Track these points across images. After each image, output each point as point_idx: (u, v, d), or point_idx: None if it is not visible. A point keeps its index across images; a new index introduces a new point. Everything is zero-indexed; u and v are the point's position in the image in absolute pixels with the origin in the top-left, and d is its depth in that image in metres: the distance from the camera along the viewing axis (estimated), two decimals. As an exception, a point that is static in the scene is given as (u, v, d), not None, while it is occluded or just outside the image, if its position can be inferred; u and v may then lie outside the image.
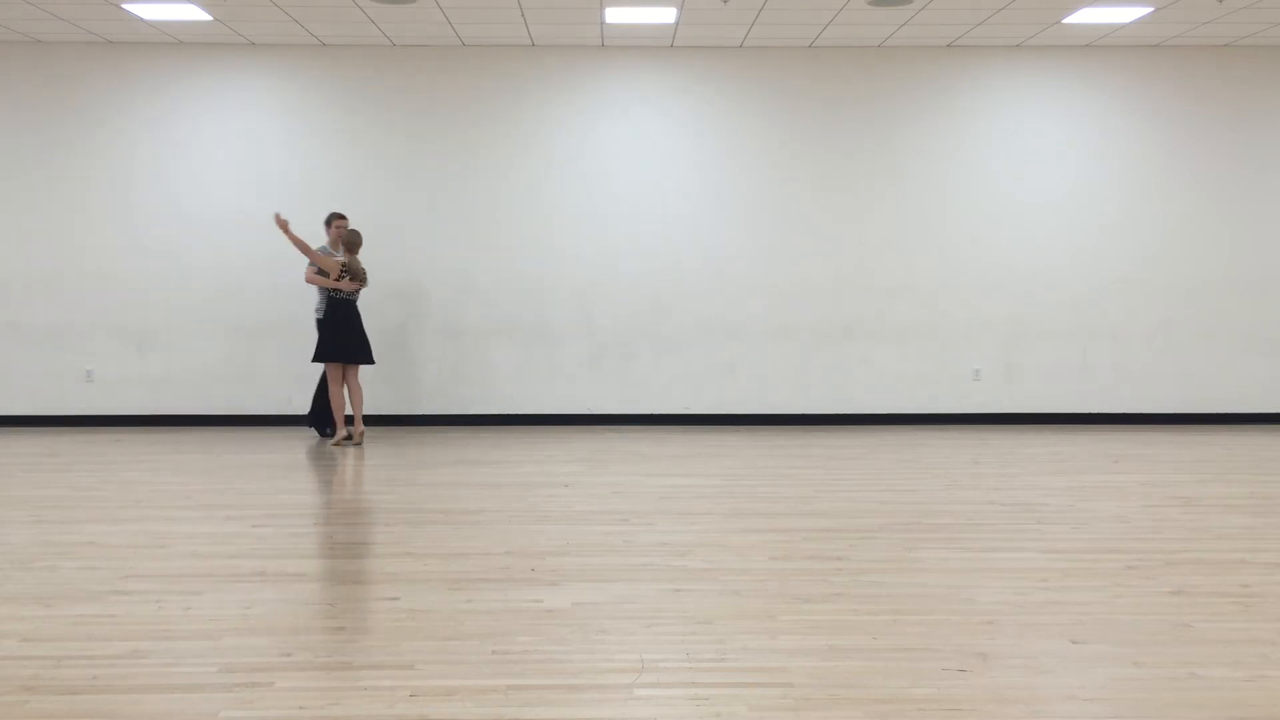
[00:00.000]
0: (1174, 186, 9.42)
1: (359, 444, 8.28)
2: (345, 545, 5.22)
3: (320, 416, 8.57)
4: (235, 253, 9.23)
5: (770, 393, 9.50)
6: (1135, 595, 4.41)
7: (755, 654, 3.71)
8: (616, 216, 9.30)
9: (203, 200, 9.21)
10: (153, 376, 9.31)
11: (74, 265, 9.21)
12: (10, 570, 4.77)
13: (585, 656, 3.69)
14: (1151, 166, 9.42)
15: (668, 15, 8.17)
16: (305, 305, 9.26)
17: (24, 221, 9.19)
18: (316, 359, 8.29)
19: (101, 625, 3.99)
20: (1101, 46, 9.22)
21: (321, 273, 8.21)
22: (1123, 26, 8.56)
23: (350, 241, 8.30)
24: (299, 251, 8.23)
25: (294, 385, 9.33)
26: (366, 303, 9.29)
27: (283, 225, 8.19)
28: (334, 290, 8.21)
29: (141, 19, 8.27)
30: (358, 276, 8.25)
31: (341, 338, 8.23)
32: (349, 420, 8.44)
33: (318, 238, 8.79)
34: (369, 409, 8.83)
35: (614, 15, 8.17)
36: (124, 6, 7.94)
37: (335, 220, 8.44)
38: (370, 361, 8.38)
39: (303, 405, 9.34)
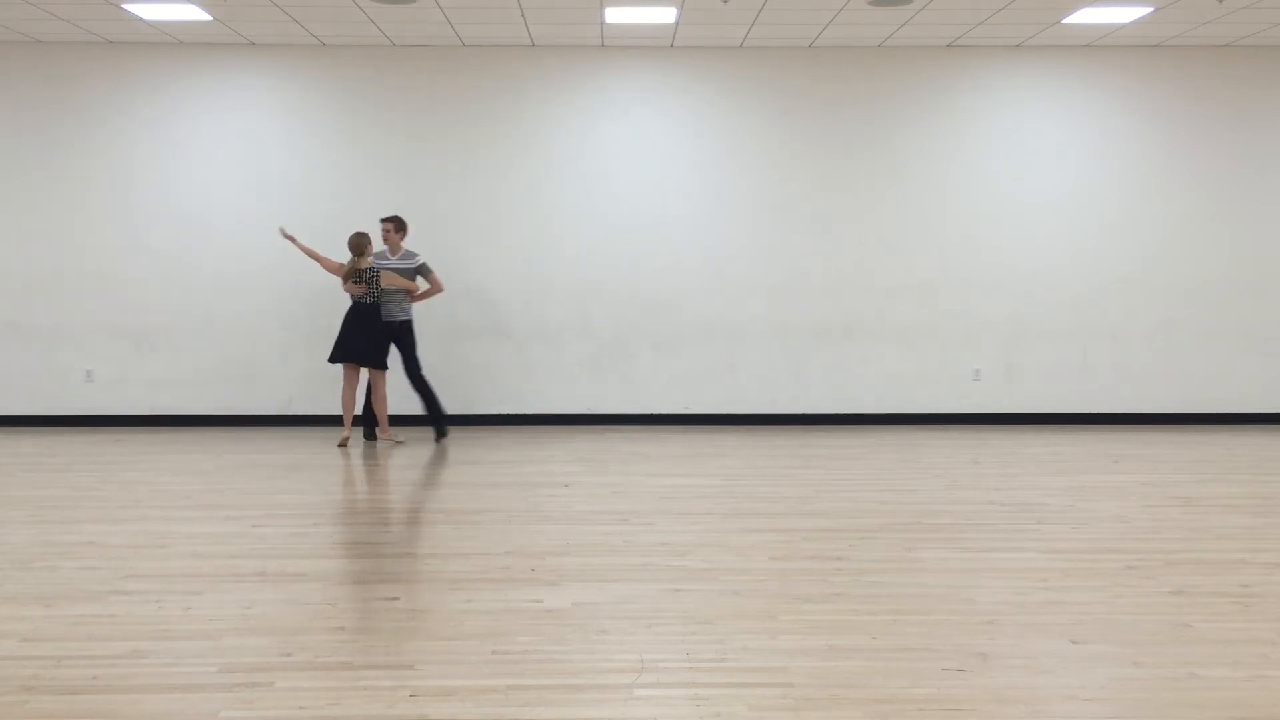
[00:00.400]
0: (1174, 186, 9.42)
1: (343, 445, 8.24)
2: (345, 545, 5.22)
3: (369, 420, 8.52)
4: (235, 253, 9.23)
5: (770, 393, 9.50)
6: (1135, 595, 4.41)
7: (755, 654, 3.71)
8: (616, 216, 9.30)
9: (203, 200, 9.21)
10: (153, 376, 9.31)
11: (74, 265, 9.21)
12: (10, 570, 4.77)
13: (585, 656, 3.69)
14: (1151, 166, 9.42)
15: (668, 15, 8.17)
16: (305, 305, 9.28)
17: (24, 221, 9.19)
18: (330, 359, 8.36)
19: (101, 625, 4.00)
20: (1101, 46, 9.22)
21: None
22: (1123, 26, 8.56)
23: (352, 244, 8.29)
24: (310, 259, 8.31)
25: (294, 385, 9.34)
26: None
27: (290, 238, 8.26)
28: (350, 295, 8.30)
29: (141, 19, 8.27)
30: (361, 280, 8.25)
31: (341, 338, 8.24)
32: (356, 421, 8.44)
33: (317, 239, 8.80)
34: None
35: (614, 15, 8.17)
36: (124, 6, 7.94)
37: (380, 224, 8.45)
38: (373, 366, 8.33)
39: (302, 405, 9.35)
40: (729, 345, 9.43)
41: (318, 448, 8.23)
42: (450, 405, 8.91)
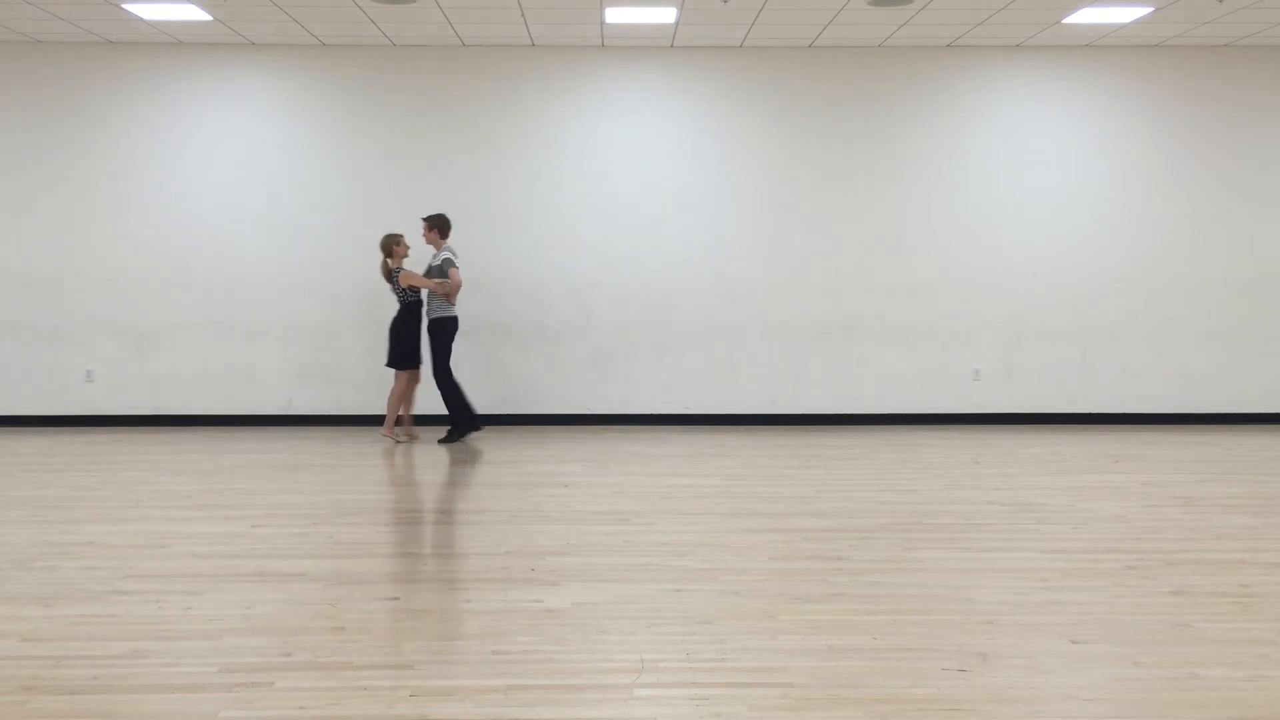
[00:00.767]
0: (1174, 186, 9.42)
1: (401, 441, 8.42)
2: (345, 545, 5.22)
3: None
4: (235, 253, 9.24)
5: (770, 393, 9.50)
6: (1135, 595, 4.41)
7: (755, 654, 3.71)
8: (617, 216, 9.30)
9: (203, 200, 9.21)
10: (153, 376, 9.31)
11: (74, 265, 9.21)
12: (10, 570, 4.77)
13: (585, 656, 3.69)
14: (1151, 166, 9.42)
15: (668, 15, 8.17)
16: (304, 305, 9.29)
17: (24, 221, 9.19)
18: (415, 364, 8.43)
19: (101, 625, 4.00)
20: (1101, 46, 9.22)
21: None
22: (1123, 26, 8.56)
23: (381, 246, 8.40)
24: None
25: (294, 385, 9.34)
26: (369, 303, 9.30)
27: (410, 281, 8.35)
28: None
29: (141, 19, 8.27)
30: (390, 280, 8.37)
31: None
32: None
33: (317, 239, 8.80)
34: (372, 411, 8.83)
35: (614, 15, 8.17)
36: (124, 6, 7.94)
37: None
38: (388, 363, 8.43)
39: (302, 405, 9.35)
40: (729, 345, 9.43)
41: (318, 448, 8.24)
42: (450, 405, 8.91)
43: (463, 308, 9.00)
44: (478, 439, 8.49)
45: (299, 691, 3.36)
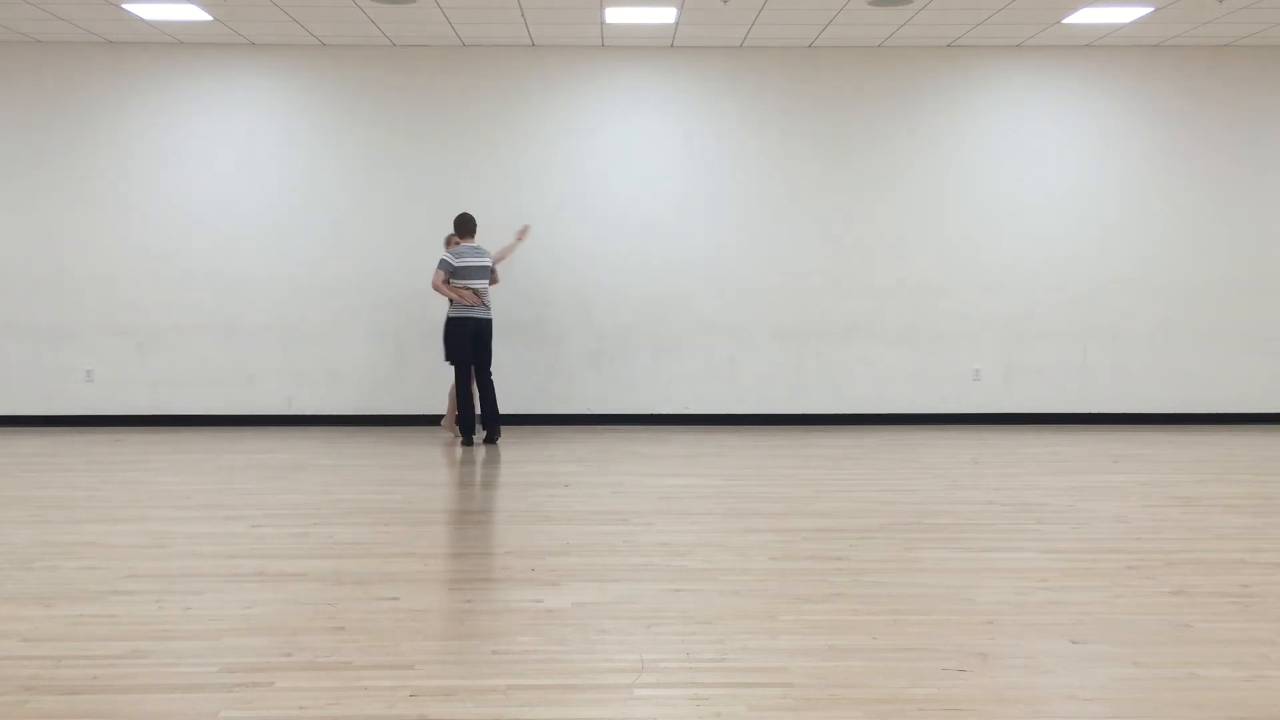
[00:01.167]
0: (1174, 186, 9.42)
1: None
2: (345, 545, 5.22)
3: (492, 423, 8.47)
4: (235, 252, 9.24)
5: (770, 393, 9.50)
6: (1135, 595, 4.41)
7: (755, 654, 3.71)
8: (617, 216, 9.30)
9: (203, 200, 9.21)
10: (153, 376, 9.31)
11: (74, 265, 9.21)
12: (10, 570, 4.77)
13: (585, 656, 3.69)
14: (1151, 166, 9.42)
15: (668, 15, 8.17)
16: (305, 305, 9.28)
17: (24, 221, 9.19)
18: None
19: (101, 625, 4.00)
20: (1101, 46, 9.22)
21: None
22: (1123, 26, 8.56)
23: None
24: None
25: (294, 385, 9.34)
26: (369, 303, 9.31)
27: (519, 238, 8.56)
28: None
29: (141, 19, 8.27)
30: None
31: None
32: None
33: (318, 238, 8.79)
34: (372, 411, 8.81)
35: (614, 15, 8.17)
36: (124, 6, 7.94)
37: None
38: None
39: (303, 405, 9.35)
40: (729, 345, 9.43)
41: (318, 448, 8.24)
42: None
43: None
44: (468, 450, 8.38)
45: (299, 691, 3.36)
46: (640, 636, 3.88)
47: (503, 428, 8.60)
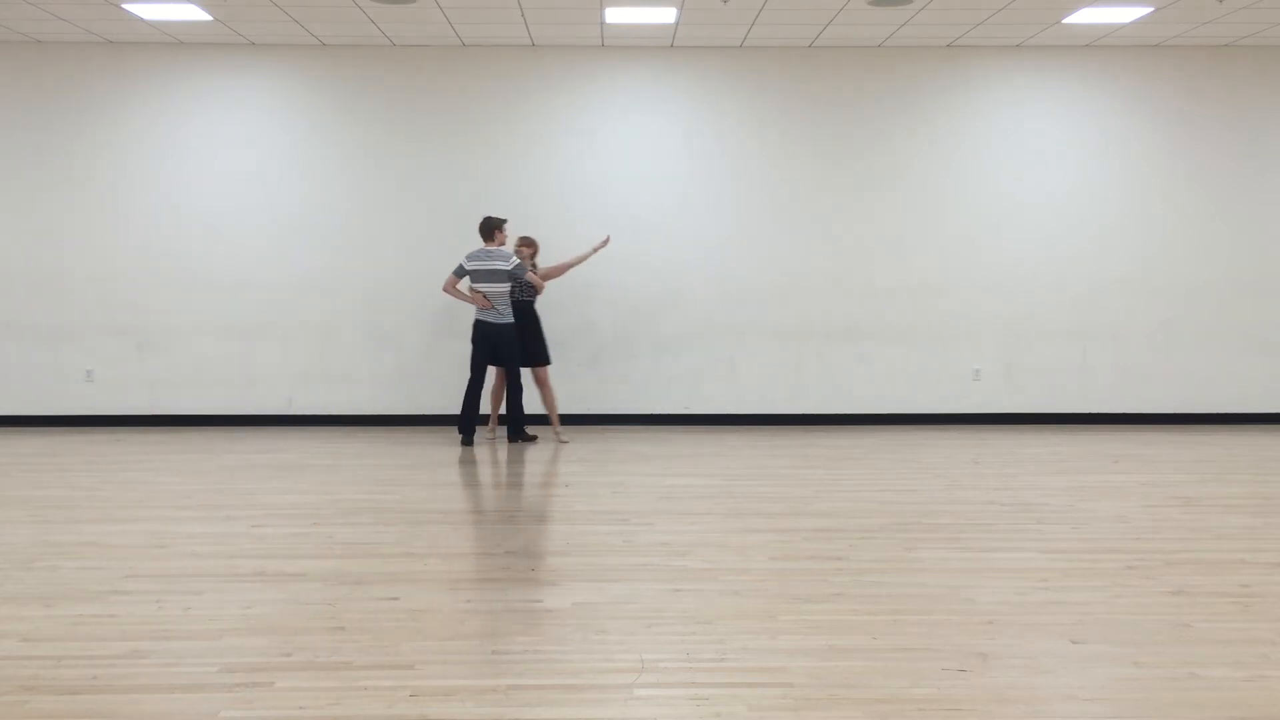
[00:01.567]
0: (1174, 186, 9.42)
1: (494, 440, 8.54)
2: (345, 545, 5.22)
3: (517, 423, 8.48)
4: (235, 252, 9.24)
5: (770, 393, 9.50)
6: (1135, 595, 4.41)
7: (755, 654, 3.71)
8: (616, 216, 9.29)
9: (203, 200, 9.21)
10: (152, 376, 9.31)
11: (74, 265, 9.21)
12: (10, 570, 4.77)
13: (585, 656, 3.69)
14: (1151, 166, 9.42)
15: (668, 15, 8.17)
16: (305, 305, 9.28)
17: (24, 221, 9.19)
18: (533, 363, 8.41)
19: (101, 625, 4.00)
20: (1101, 46, 9.22)
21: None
22: (1123, 26, 8.56)
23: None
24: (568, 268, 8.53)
25: (294, 385, 9.34)
26: (370, 303, 9.31)
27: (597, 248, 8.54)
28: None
29: (141, 19, 8.27)
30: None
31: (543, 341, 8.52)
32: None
33: (317, 238, 8.77)
34: (372, 411, 8.80)
35: (614, 15, 8.17)
36: (124, 6, 7.94)
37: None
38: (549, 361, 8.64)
39: (303, 405, 9.35)
40: (729, 345, 9.43)
41: (318, 448, 8.24)
42: (450, 405, 8.92)
43: (461, 307, 8.99)
44: (466, 450, 8.37)
45: (299, 691, 3.36)
46: (640, 636, 3.88)
47: (503, 428, 8.60)
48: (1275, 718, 3.21)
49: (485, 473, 7.30)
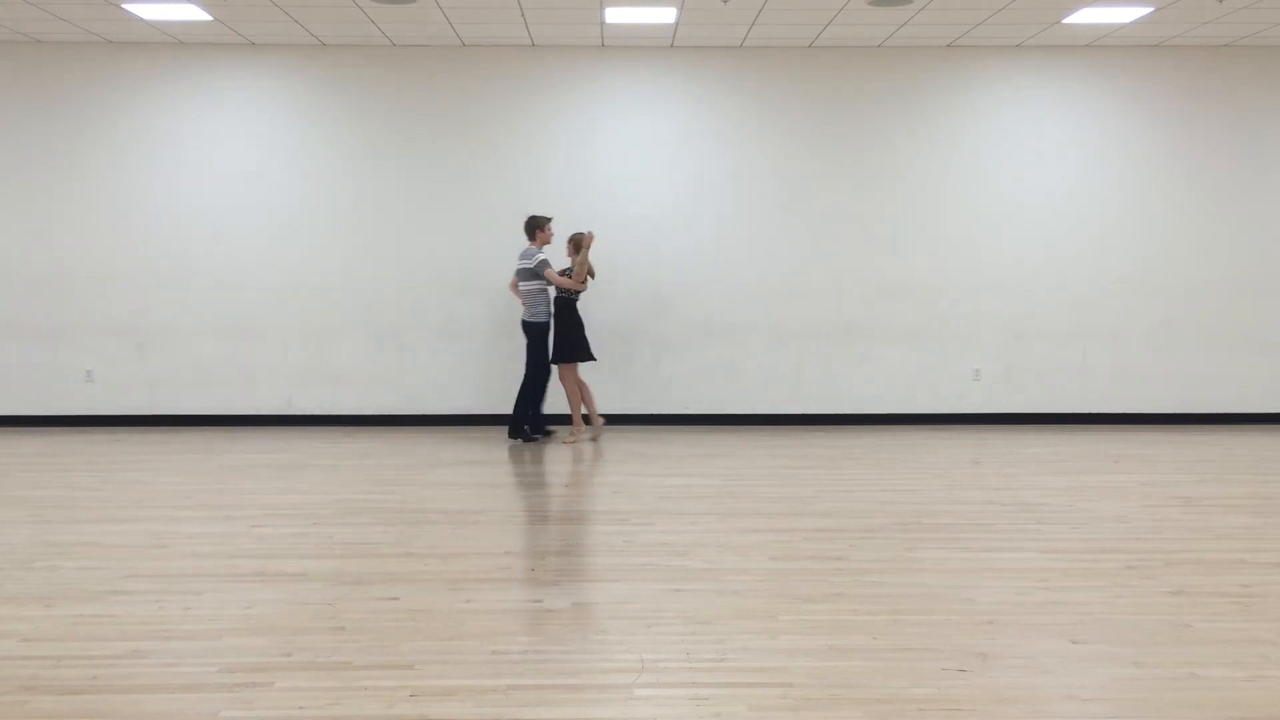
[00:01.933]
0: (1174, 186, 9.42)
1: (596, 439, 8.52)
2: (345, 545, 5.22)
3: (521, 422, 8.44)
4: (235, 252, 9.24)
5: (770, 393, 9.50)
6: (1135, 595, 4.41)
7: (755, 654, 3.71)
8: (616, 216, 9.29)
9: (203, 200, 9.21)
10: (153, 376, 9.31)
11: (74, 265, 9.21)
12: (10, 570, 4.77)
13: (585, 656, 3.69)
14: (1151, 166, 9.42)
15: (668, 15, 8.17)
16: (304, 304, 9.28)
17: (25, 221, 9.19)
18: (560, 360, 8.35)
19: (101, 625, 4.00)
20: (1101, 46, 9.22)
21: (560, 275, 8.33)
22: (1123, 26, 8.56)
23: (575, 241, 8.45)
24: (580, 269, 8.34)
25: (294, 385, 9.34)
26: (370, 303, 9.31)
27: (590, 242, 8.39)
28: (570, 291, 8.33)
29: (141, 19, 8.27)
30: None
31: (582, 338, 8.40)
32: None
33: (317, 238, 8.76)
34: (372, 411, 8.78)
35: (614, 15, 8.17)
36: (124, 6, 7.93)
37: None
38: (593, 358, 8.53)
39: (303, 405, 9.35)
40: (729, 345, 9.43)
41: (318, 448, 8.24)
42: (449, 405, 8.93)
43: (461, 308, 9.01)
44: (516, 446, 8.33)
45: (299, 691, 3.36)
46: (640, 636, 3.88)
47: (503, 428, 8.59)
48: (1275, 718, 3.21)
49: (484, 473, 7.29)
